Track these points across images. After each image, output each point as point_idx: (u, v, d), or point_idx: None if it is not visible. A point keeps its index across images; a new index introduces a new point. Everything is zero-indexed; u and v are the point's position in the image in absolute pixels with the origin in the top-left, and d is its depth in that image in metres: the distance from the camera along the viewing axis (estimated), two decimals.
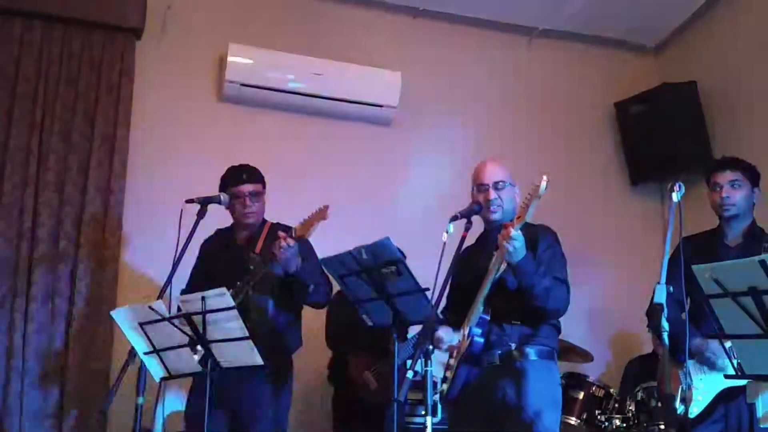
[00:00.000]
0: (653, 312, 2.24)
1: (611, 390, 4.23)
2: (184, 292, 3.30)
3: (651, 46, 5.60)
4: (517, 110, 5.29)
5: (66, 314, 4.16)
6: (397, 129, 5.01)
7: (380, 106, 4.90)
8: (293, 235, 3.07)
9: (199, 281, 3.38)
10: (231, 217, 3.47)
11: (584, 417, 4.11)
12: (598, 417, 4.07)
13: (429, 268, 2.70)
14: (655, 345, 4.12)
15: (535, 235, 2.88)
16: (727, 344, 2.88)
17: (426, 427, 2.32)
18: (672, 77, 5.24)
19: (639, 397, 4.02)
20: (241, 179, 3.36)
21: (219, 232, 3.57)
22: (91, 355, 4.14)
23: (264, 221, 3.46)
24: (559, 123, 5.35)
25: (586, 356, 4.36)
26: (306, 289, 3.22)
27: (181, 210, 3.09)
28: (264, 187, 3.43)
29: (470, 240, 2.98)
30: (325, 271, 2.97)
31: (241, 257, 3.26)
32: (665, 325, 2.14)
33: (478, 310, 2.77)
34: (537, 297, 2.75)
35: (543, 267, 2.79)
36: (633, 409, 4.01)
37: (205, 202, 3.20)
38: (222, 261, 3.38)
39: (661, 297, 2.13)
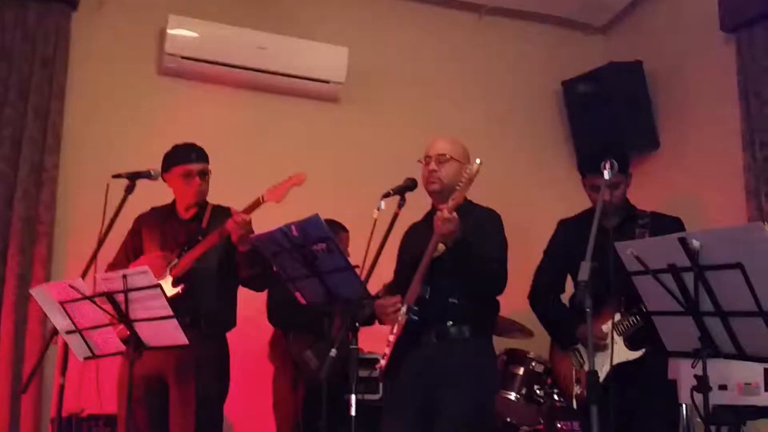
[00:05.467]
0: (577, 289, 2.23)
1: (550, 366, 4.27)
2: (111, 267, 3.23)
3: (599, 25, 5.61)
4: (465, 87, 5.26)
5: None
6: (344, 105, 4.94)
7: (327, 82, 4.81)
8: (262, 200, 3.05)
9: (128, 257, 3.31)
10: (174, 194, 3.39)
11: (524, 392, 4.14)
12: (537, 392, 4.10)
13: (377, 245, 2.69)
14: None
15: (480, 217, 2.89)
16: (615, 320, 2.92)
17: (350, 405, 2.29)
18: (619, 57, 5.25)
19: None
20: (190, 158, 3.29)
21: (155, 209, 3.47)
22: (23, 334, 4.03)
23: (206, 201, 3.40)
24: (507, 100, 5.34)
25: (527, 332, 4.38)
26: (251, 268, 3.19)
27: (108, 185, 2.98)
28: (208, 165, 3.38)
29: (415, 216, 2.99)
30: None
31: (186, 231, 3.23)
32: (588, 302, 2.13)
33: (415, 288, 2.76)
34: (478, 279, 2.78)
35: (484, 248, 2.78)
36: None
37: (133, 177, 3.09)
38: (163, 235, 3.31)
39: (584, 274, 2.12)
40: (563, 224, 3.42)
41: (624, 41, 5.47)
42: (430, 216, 3.06)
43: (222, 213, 3.20)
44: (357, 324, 2.43)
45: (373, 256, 2.55)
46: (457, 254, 2.70)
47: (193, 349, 2.90)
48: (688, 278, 1.88)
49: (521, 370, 4.13)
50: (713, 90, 4.73)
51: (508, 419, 4.02)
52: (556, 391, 4.01)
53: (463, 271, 2.74)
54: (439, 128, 4.81)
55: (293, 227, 2.57)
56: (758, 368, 2.68)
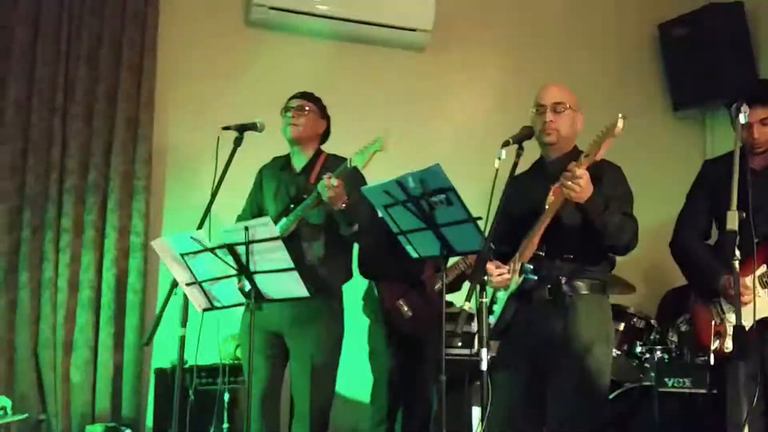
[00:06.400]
0: (727, 239, 2.10)
1: (652, 321, 4.15)
2: (240, 218, 3.27)
3: None
4: (557, 33, 5.06)
5: (98, 246, 4.11)
6: (431, 55, 4.81)
7: (413, 30, 4.68)
8: (349, 165, 3.02)
9: (254, 208, 3.36)
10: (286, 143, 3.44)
11: (625, 348, 4.06)
12: (639, 348, 4.01)
13: (466, 196, 2.60)
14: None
15: (600, 170, 2.74)
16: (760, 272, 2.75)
17: (481, 359, 2.24)
18: None
19: (682, 329, 3.94)
20: (294, 96, 3.38)
21: (276, 159, 3.52)
22: (125, 287, 4.12)
23: (320, 151, 3.41)
24: (601, 46, 5.13)
25: (628, 287, 4.27)
26: (349, 226, 3.17)
27: (218, 138, 2.98)
28: (316, 107, 3.39)
29: (522, 167, 2.86)
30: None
31: (296, 184, 3.23)
32: (736, 253, 2.01)
33: (532, 245, 2.67)
34: (610, 236, 2.65)
35: (612, 204, 2.66)
36: (675, 341, 3.95)
37: (242, 129, 3.09)
38: (278, 188, 3.34)
39: (734, 223, 1.99)
40: (708, 165, 3.17)
41: None
42: (538, 167, 2.94)
43: (335, 164, 3.14)
44: (483, 279, 2.35)
45: (496, 209, 2.46)
46: (590, 213, 2.58)
47: (309, 303, 2.90)
48: None
49: (622, 326, 4.04)
50: None
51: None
52: (659, 347, 3.92)
53: (593, 230, 2.63)
54: (529, 76, 4.68)
55: (410, 178, 2.50)
56: None
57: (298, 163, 3.38)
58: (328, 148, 3.46)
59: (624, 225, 2.68)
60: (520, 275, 2.67)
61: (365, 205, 3.13)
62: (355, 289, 4.05)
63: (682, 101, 5.21)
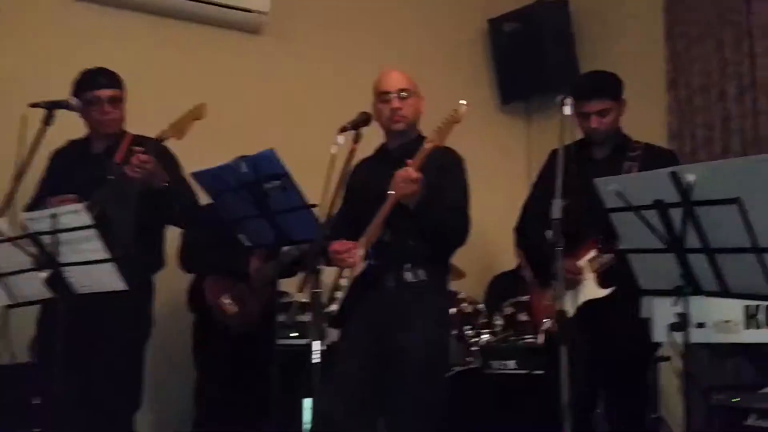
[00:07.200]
0: (552, 226, 2.17)
1: (479, 306, 4.29)
2: (29, 208, 2.92)
3: None
4: (392, 20, 5.07)
5: None
6: (268, 37, 4.65)
7: (249, 11, 4.50)
8: (163, 137, 2.81)
9: (47, 196, 3.00)
10: (85, 126, 3.13)
11: (455, 333, 4.15)
12: (468, 332, 4.12)
13: (306, 183, 2.53)
14: (522, 263, 4.17)
15: (443, 159, 2.75)
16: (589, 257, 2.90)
17: (313, 351, 2.17)
18: None
19: (507, 312, 4.10)
20: (98, 83, 3.03)
21: (72, 142, 3.19)
22: None
23: (124, 132, 3.13)
24: (433, 37, 5.20)
25: (458, 274, 4.36)
26: (171, 207, 2.97)
27: (24, 116, 2.67)
28: (123, 93, 3.11)
29: (364, 152, 2.82)
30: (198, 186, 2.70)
31: (98, 168, 2.94)
32: (560, 240, 2.08)
33: (375, 231, 2.65)
34: (439, 234, 2.70)
35: (445, 199, 2.68)
36: (501, 324, 4.10)
37: (51, 107, 2.79)
38: (76, 173, 3.03)
39: (556, 212, 2.06)
40: (554, 154, 3.26)
41: None
42: (381, 153, 2.92)
43: (144, 145, 2.91)
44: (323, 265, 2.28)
45: (332, 195, 2.39)
46: (420, 213, 2.61)
47: (109, 296, 2.66)
48: (675, 215, 1.84)
49: (452, 311, 4.12)
50: (639, 28, 4.78)
51: None
52: (486, 330, 4.06)
53: (423, 224, 2.64)
54: (366, 62, 4.65)
55: (243, 163, 2.38)
56: (738, 306, 2.66)
57: (99, 145, 3.12)
58: (150, 126, 3.22)
59: (454, 225, 2.73)
60: (363, 261, 2.64)
61: (187, 192, 2.96)
62: (179, 283, 3.87)
63: (510, 95, 5.40)
